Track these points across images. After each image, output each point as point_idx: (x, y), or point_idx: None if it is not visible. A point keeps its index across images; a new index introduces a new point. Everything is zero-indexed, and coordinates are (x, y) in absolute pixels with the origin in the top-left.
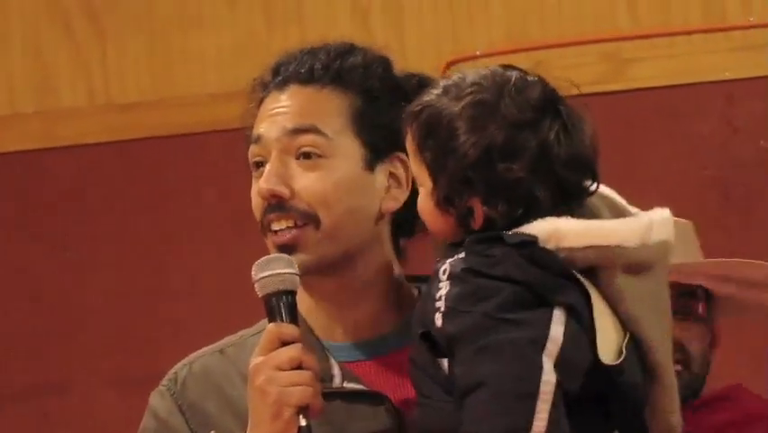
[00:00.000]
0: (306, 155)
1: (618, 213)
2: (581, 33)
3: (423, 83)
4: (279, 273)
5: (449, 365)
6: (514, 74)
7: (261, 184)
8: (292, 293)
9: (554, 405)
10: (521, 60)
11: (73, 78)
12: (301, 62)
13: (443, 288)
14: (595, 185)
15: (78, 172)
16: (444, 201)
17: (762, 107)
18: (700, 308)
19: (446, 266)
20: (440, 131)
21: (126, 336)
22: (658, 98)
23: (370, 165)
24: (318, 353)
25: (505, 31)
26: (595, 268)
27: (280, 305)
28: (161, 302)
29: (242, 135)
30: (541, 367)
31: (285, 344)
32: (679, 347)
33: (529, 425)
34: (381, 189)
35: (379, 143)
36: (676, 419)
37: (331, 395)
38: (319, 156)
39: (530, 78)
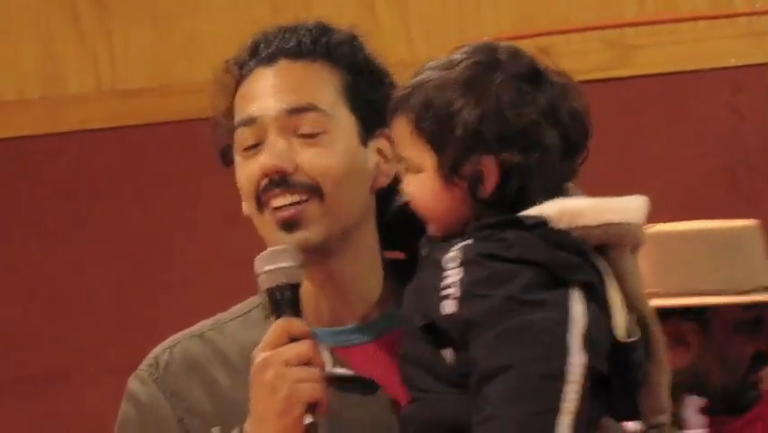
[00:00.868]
0: (308, 133)
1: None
2: (587, 20)
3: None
4: (284, 267)
5: (455, 355)
6: (499, 43)
7: (266, 160)
8: (296, 287)
9: (583, 386)
10: (527, 46)
11: (79, 64)
12: (285, 38)
13: (454, 274)
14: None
15: (83, 158)
16: (452, 171)
17: None
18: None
19: (454, 253)
20: (439, 100)
21: (127, 325)
22: (664, 85)
23: (364, 140)
24: None
25: (511, 17)
26: (605, 246)
27: (285, 299)
28: (163, 289)
29: None
30: (567, 348)
31: (293, 339)
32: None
33: (558, 407)
34: (373, 166)
35: (369, 119)
36: (666, 396)
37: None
38: (320, 132)
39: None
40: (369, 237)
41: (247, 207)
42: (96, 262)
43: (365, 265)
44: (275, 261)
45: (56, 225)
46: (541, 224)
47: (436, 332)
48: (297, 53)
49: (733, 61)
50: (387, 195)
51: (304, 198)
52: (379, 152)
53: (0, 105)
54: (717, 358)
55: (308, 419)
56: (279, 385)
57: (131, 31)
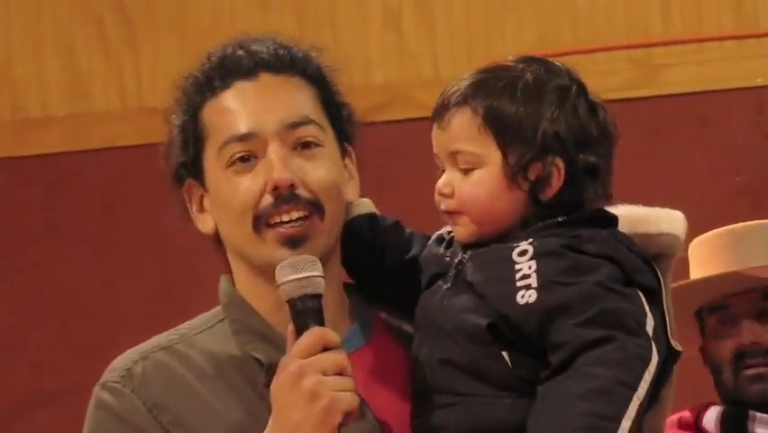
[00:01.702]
0: (306, 144)
1: None
2: (613, 39)
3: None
4: (308, 276)
5: (512, 357)
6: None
7: (279, 174)
8: (320, 297)
9: (650, 385)
10: None
11: (106, 81)
12: (259, 51)
13: (528, 267)
14: None
15: (109, 175)
16: (520, 170)
17: None
18: None
19: (524, 247)
20: (515, 100)
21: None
22: (689, 104)
23: (343, 155)
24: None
25: (537, 35)
26: (655, 257)
27: (308, 309)
28: (194, 303)
29: None
30: (651, 340)
31: (326, 348)
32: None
33: (636, 387)
34: (346, 181)
35: (342, 134)
36: (665, 418)
37: None
38: (317, 145)
39: None
40: (338, 252)
41: (224, 225)
42: (127, 278)
43: (337, 279)
44: (297, 271)
45: (86, 242)
46: (613, 223)
47: (497, 332)
48: (278, 67)
49: (759, 81)
50: None
51: (307, 213)
52: (346, 167)
53: (26, 122)
54: None
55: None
56: (321, 393)
57: (157, 48)
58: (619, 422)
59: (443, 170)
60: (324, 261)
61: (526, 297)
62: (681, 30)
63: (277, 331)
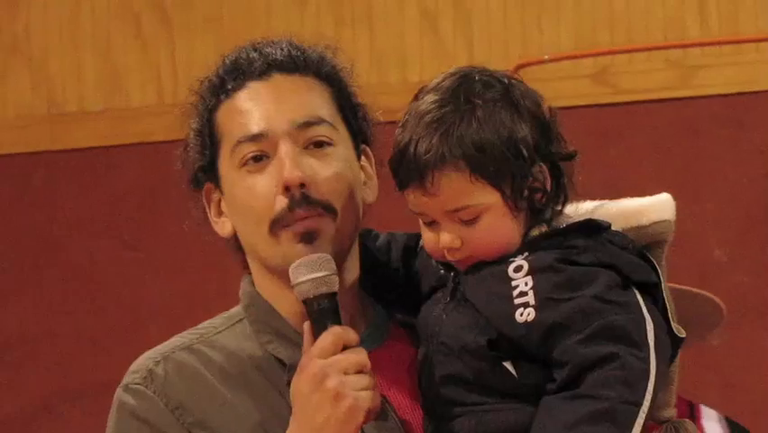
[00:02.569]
0: (318, 144)
1: None
2: (650, 39)
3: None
4: (322, 276)
5: (516, 368)
6: (464, 68)
7: (289, 172)
8: (335, 295)
9: (655, 389)
10: (588, 65)
11: (142, 77)
12: (274, 52)
13: (525, 283)
14: None
15: (144, 170)
16: (519, 195)
17: None
18: None
19: (519, 263)
20: (487, 135)
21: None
22: (724, 106)
23: (357, 155)
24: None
25: (573, 35)
26: (648, 246)
27: (325, 308)
28: (225, 302)
29: None
30: (650, 350)
31: (345, 347)
32: None
33: (641, 402)
34: (362, 182)
35: (358, 134)
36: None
37: None
38: (329, 144)
39: None
40: (355, 254)
41: (241, 227)
42: (160, 274)
43: (353, 281)
44: (312, 270)
45: (120, 237)
46: (604, 228)
47: (497, 346)
48: (291, 67)
49: None
50: None
51: (319, 214)
52: (363, 169)
53: (62, 116)
54: None
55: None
56: (345, 393)
57: (193, 44)
58: None
59: (430, 222)
60: (339, 261)
61: (525, 315)
62: (718, 31)
63: (297, 331)
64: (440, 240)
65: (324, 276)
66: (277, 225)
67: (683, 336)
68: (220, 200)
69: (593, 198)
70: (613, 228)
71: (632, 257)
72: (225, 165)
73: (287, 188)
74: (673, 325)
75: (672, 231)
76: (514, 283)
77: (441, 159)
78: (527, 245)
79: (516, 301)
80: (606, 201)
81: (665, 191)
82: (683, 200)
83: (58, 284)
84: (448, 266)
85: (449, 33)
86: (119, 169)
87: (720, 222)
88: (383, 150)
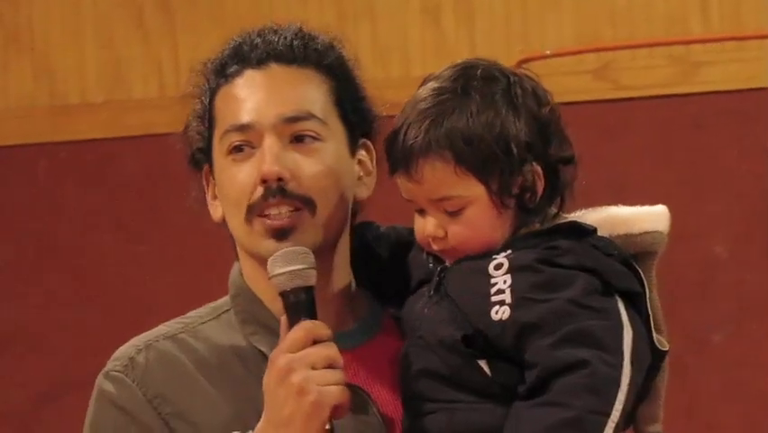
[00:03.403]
0: (302, 138)
1: None
2: (652, 35)
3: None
4: (299, 269)
5: (491, 366)
6: (470, 61)
7: (268, 166)
8: (311, 289)
9: (627, 398)
10: (591, 61)
11: (144, 69)
12: (273, 41)
13: (503, 281)
14: None
15: (146, 162)
16: (506, 191)
17: None
18: None
19: (500, 261)
20: (476, 128)
21: None
22: (727, 102)
23: (352, 150)
24: None
25: (575, 31)
26: (637, 255)
27: (301, 302)
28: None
29: None
30: (623, 358)
31: (316, 342)
32: None
33: (610, 412)
34: (356, 177)
35: (356, 128)
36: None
37: None
38: (315, 139)
39: None
40: (345, 249)
41: (226, 213)
42: (162, 267)
43: (342, 276)
44: (289, 263)
45: (122, 229)
46: (591, 232)
47: (473, 342)
48: (289, 58)
49: None
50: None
51: (296, 208)
52: (360, 162)
53: (64, 108)
54: None
55: (327, 425)
56: (308, 388)
57: (196, 36)
58: None
59: (420, 210)
60: (322, 255)
61: (500, 313)
62: (720, 27)
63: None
64: (426, 228)
65: (299, 269)
66: (251, 213)
67: (665, 348)
68: (215, 184)
69: (593, 195)
70: (600, 234)
71: (616, 264)
72: (216, 150)
73: (263, 181)
74: (655, 337)
75: (663, 243)
76: (493, 281)
77: (427, 147)
78: (511, 244)
79: (493, 299)
80: (605, 207)
81: (667, 188)
82: (685, 197)
83: (60, 276)
84: (437, 259)
85: (451, 28)
86: (121, 160)
87: (723, 219)
88: None
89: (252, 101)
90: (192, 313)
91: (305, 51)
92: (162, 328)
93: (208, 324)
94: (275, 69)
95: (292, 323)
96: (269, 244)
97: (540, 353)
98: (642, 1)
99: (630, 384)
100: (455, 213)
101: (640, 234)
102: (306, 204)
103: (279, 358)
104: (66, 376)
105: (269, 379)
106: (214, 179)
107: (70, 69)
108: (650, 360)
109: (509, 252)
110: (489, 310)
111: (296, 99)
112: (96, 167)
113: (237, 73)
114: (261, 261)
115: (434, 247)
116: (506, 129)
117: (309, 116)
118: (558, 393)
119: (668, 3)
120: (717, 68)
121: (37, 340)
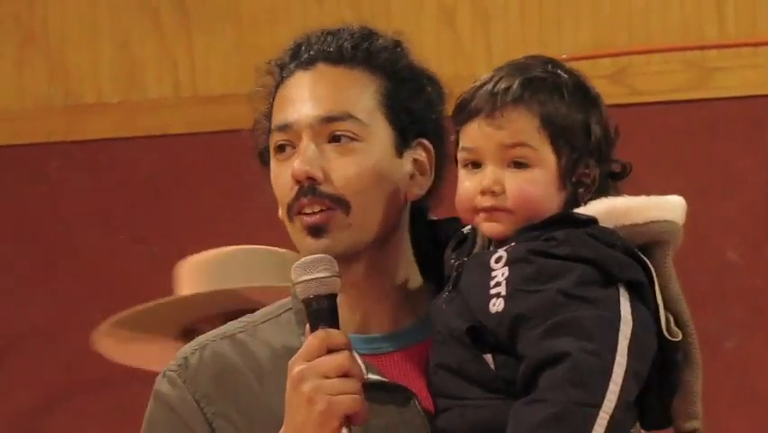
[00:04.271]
0: (339, 138)
1: None
2: (667, 41)
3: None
4: (321, 277)
5: (497, 360)
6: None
7: (297, 165)
8: (334, 297)
9: (623, 389)
10: (606, 65)
11: (159, 69)
12: (326, 42)
13: (501, 274)
14: None
15: (160, 162)
16: (570, 173)
17: None
18: None
19: (500, 254)
20: (572, 107)
21: None
22: (741, 108)
23: (399, 151)
24: None
25: (591, 35)
26: (648, 245)
27: (322, 309)
28: None
29: None
30: (616, 348)
31: (331, 350)
32: None
33: (600, 404)
34: (407, 176)
35: (407, 129)
36: (700, 402)
37: None
38: (353, 140)
39: None
40: (400, 247)
41: (281, 213)
42: (173, 265)
43: (396, 274)
44: (312, 270)
45: (133, 229)
46: (591, 222)
47: (480, 336)
48: (336, 58)
49: None
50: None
51: (327, 207)
52: (416, 162)
53: (79, 107)
54: None
55: (344, 431)
56: (318, 398)
57: (211, 37)
58: None
59: (471, 165)
60: (366, 254)
61: (497, 305)
62: (736, 33)
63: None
64: (482, 181)
65: (321, 277)
66: (291, 211)
67: (677, 339)
68: None
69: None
70: (605, 225)
71: (616, 253)
72: (271, 148)
73: (296, 180)
74: (664, 327)
75: (673, 232)
76: (493, 274)
77: (520, 98)
78: (515, 237)
79: (491, 292)
80: (609, 198)
81: (681, 192)
82: (699, 202)
83: (71, 275)
84: (458, 255)
85: (467, 31)
86: (135, 160)
87: (735, 224)
88: None
89: (296, 101)
90: (260, 311)
91: (354, 51)
92: (225, 327)
93: (268, 323)
94: (322, 69)
95: (313, 330)
96: (308, 241)
97: (529, 345)
98: (658, 6)
99: (626, 374)
100: (521, 166)
101: (645, 223)
102: (338, 203)
103: (294, 366)
104: (77, 378)
105: (288, 386)
106: None
107: (85, 68)
108: (655, 350)
109: (513, 244)
110: (488, 303)
111: (335, 99)
112: (110, 167)
113: (289, 74)
114: None
115: (484, 204)
116: (590, 119)
117: (346, 117)
118: (544, 389)
119: (683, 8)
120: (731, 73)
121: (47, 341)
